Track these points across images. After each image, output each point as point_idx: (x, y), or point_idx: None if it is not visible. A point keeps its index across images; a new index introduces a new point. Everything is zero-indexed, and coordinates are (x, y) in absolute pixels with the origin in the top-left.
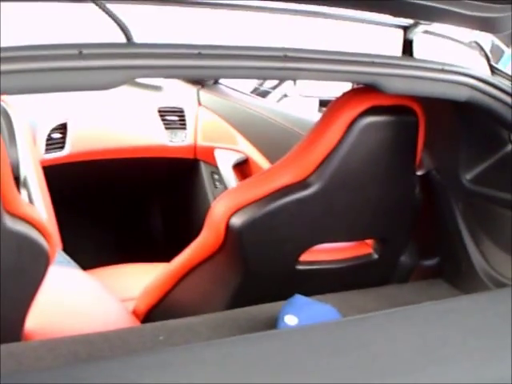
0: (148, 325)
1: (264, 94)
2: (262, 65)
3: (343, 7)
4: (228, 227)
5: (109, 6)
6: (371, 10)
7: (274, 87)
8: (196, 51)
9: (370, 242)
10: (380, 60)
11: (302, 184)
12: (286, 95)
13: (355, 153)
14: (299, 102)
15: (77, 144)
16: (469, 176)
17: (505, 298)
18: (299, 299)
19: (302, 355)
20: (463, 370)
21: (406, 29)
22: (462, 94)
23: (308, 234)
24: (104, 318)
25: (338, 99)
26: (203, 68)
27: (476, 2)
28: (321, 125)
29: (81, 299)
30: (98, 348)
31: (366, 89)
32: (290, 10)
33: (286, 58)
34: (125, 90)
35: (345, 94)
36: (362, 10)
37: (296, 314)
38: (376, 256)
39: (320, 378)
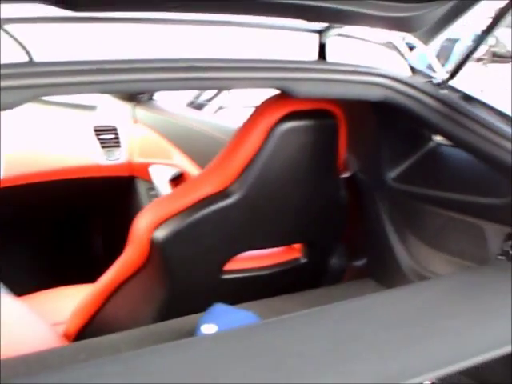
0: (70, 345)
1: (200, 107)
2: (169, 76)
3: (253, 15)
4: (151, 241)
5: (8, 26)
6: (282, 16)
7: (210, 99)
8: (96, 67)
9: (298, 246)
10: (290, 65)
11: (224, 193)
12: (221, 107)
13: (276, 159)
14: (235, 113)
15: (10, 168)
16: (392, 175)
17: (423, 290)
18: (218, 308)
19: (212, 361)
20: (371, 364)
21: (320, 33)
22: (376, 95)
23: (232, 243)
24: (30, 343)
25: (259, 106)
26: (105, 83)
27: (386, 3)
28: (241, 133)
29: (5, 325)
30: (16, 371)
31: (283, 95)
32: (202, 20)
33: (192, 69)
34: (57, 111)
35: (265, 101)
36: (273, 16)
37: (214, 322)
38: (305, 260)
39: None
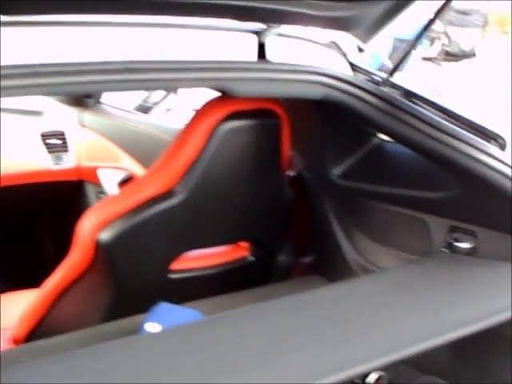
0: (16, 348)
1: (148, 110)
2: (102, 78)
3: (188, 16)
4: (96, 243)
5: None
6: (217, 17)
7: (158, 102)
8: (30, 70)
9: (245, 244)
10: (228, 65)
11: (168, 194)
12: (169, 110)
13: (219, 159)
14: (183, 116)
15: None
16: (337, 172)
17: (366, 283)
18: (162, 307)
19: (153, 358)
20: (311, 356)
21: (259, 33)
22: (315, 93)
23: (177, 243)
24: None
25: (201, 107)
26: (40, 86)
27: (322, 2)
28: (184, 134)
29: None
30: None
31: (225, 96)
32: (141, 23)
33: (127, 70)
34: (3, 117)
35: (207, 102)
36: (208, 17)
37: (158, 321)
38: (252, 258)
39: (167, 379)
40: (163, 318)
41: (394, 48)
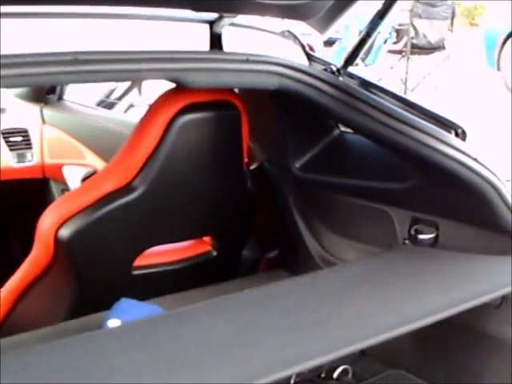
0: None
1: (110, 106)
2: (52, 70)
3: (138, 6)
4: (56, 240)
5: None
6: (168, 7)
7: (120, 98)
8: None
9: (208, 239)
10: (180, 56)
11: (127, 188)
12: (132, 105)
13: (177, 151)
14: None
15: None
16: (298, 164)
17: (328, 276)
18: (124, 303)
19: (113, 353)
20: (270, 349)
21: (212, 23)
22: (271, 83)
23: (139, 239)
24: None
25: (157, 99)
26: None
27: None
28: (141, 127)
29: None
30: None
31: (182, 87)
32: (92, 13)
33: (76, 62)
34: None
35: (163, 94)
36: (159, 6)
37: (120, 317)
38: (215, 253)
39: (126, 374)
40: (126, 314)
41: None
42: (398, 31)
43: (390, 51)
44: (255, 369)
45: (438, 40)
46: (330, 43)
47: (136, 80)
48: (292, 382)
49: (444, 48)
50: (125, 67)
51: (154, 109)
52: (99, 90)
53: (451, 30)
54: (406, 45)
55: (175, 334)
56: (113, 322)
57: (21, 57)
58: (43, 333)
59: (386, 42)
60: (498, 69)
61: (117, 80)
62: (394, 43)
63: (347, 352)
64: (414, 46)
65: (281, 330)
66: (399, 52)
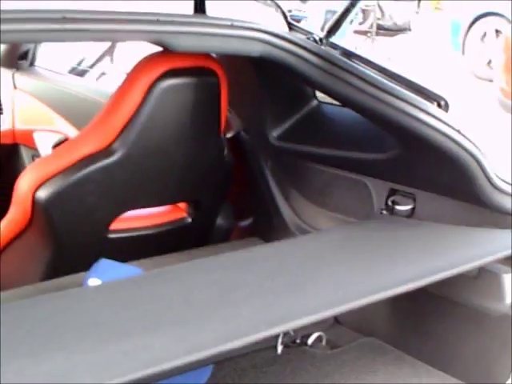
0: None
1: (82, 74)
2: (39, 27)
3: None
4: (34, 201)
5: None
6: None
7: (92, 66)
8: None
9: (183, 206)
10: (166, 18)
11: (106, 151)
12: (104, 73)
13: (157, 116)
14: (118, 79)
15: None
16: (275, 133)
17: (306, 242)
18: (103, 263)
19: (97, 309)
20: (255, 309)
21: None
22: (254, 49)
23: (116, 202)
24: None
25: (138, 63)
26: None
27: None
28: (121, 90)
29: None
30: None
31: (163, 52)
32: None
33: (64, 20)
34: None
35: (144, 58)
36: None
37: (99, 276)
38: (190, 220)
39: (111, 330)
40: (105, 274)
41: (326, 20)
42: (364, 12)
43: (356, 32)
44: (241, 327)
45: (404, 22)
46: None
47: (122, 41)
48: (279, 345)
49: (409, 30)
50: (112, 27)
51: (134, 73)
52: (71, 57)
53: (417, 12)
54: (371, 26)
55: (159, 292)
56: (93, 281)
57: (7, 13)
58: (22, 292)
59: (352, 22)
60: (463, 53)
61: (104, 40)
62: (360, 24)
63: (329, 315)
64: (379, 27)
65: (264, 292)
66: (365, 33)
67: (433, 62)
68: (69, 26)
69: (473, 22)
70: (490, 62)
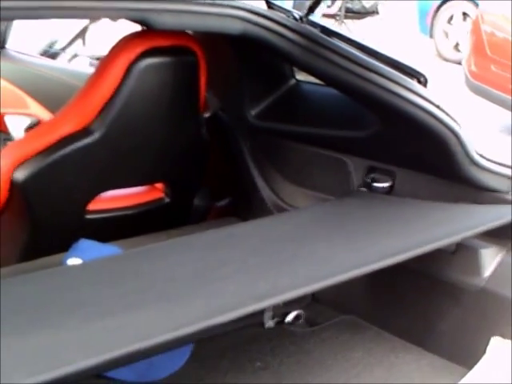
0: None
1: (54, 56)
2: (15, 4)
3: None
4: (11, 183)
5: None
6: None
7: (64, 48)
8: None
9: (161, 186)
10: None
11: (85, 131)
12: (76, 55)
13: (136, 96)
14: (89, 61)
15: None
16: (254, 112)
17: (286, 219)
18: (83, 243)
19: (80, 287)
20: (240, 284)
21: None
22: (234, 27)
23: (94, 182)
24: None
25: (117, 42)
26: None
27: None
28: (100, 70)
29: None
30: None
31: (143, 32)
32: None
33: None
34: None
35: (123, 38)
36: None
37: (80, 256)
38: (168, 200)
39: (95, 307)
40: (85, 253)
41: (295, 4)
42: None
43: (325, 15)
44: (227, 303)
45: (372, 5)
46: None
47: (102, 18)
48: (265, 321)
49: (377, 13)
50: (92, 5)
51: (114, 52)
52: (42, 39)
53: None
54: (340, 9)
55: (141, 270)
56: (73, 261)
57: None
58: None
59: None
60: (431, 36)
61: (83, 17)
62: (328, 7)
63: (312, 289)
64: (348, 11)
65: (248, 268)
66: (333, 16)
67: (400, 44)
68: (46, 3)
69: (440, 5)
70: (457, 45)
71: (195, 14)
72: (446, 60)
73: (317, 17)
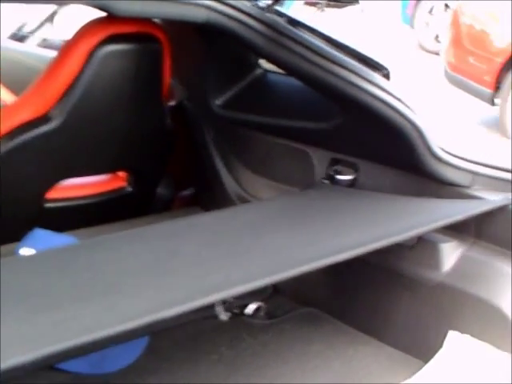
0: None
1: (22, 39)
2: None
3: None
4: None
5: None
6: None
7: (33, 31)
8: None
9: (123, 175)
10: None
11: (44, 119)
12: (45, 39)
13: (97, 83)
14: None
15: None
16: (219, 102)
17: (245, 211)
18: (37, 232)
19: (29, 279)
20: (191, 277)
21: None
22: (198, 16)
23: (53, 170)
24: None
25: (79, 29)
26: None
27: None
28: (60, 56)
29: None
30: None
31: (105, 18)
32: None
33: None
34: None
35: (85, 24)
36: None
37: (32, 246)
38: (130, 189)
39: (44, 299)
40: (39, 243)
41: None
42: None
43: (307, 3)
44: (176, 296)
45: None
46: None
47: (65, 4)
48: (219, 314)
49: (358, 2)
50: None
51: (75, 38)
52: (10, 22)
53: None
54: None
55: (93, 261)
56: (25, 251)
57: None
58: None
59: None
60: (412, 26)
61: (47, 2)
62: None
63: (270, 281)
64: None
65: (201, 261)
66: (314, 4)
67: (382, 34)
68: None
69: None
70: (437, 36)
71: (157, 2)
72: (427, 51)
73: (299, 5)
